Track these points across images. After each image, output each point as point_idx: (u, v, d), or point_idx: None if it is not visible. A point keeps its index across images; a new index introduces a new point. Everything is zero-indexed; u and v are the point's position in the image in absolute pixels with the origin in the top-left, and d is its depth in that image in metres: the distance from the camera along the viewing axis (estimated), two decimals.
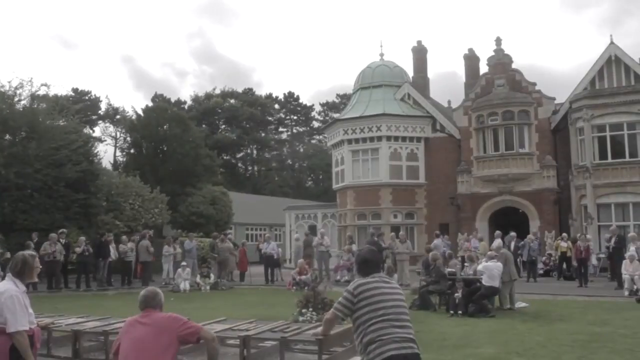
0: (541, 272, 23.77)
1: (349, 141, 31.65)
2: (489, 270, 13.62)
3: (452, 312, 13.40)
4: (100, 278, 21.46)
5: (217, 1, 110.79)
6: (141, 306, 4.38)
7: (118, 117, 63.79)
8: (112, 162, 50.19)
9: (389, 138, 30.82)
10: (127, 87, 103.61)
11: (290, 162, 79.23)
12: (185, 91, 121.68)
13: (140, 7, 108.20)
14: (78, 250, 20.46)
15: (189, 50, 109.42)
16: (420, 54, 34.58)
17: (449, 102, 35.92)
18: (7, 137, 24.78)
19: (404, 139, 31.09)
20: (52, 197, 24.06)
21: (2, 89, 25.39)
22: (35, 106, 25.95)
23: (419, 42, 34.47)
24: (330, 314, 4.73)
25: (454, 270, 15.24)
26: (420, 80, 33.90)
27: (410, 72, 34.35)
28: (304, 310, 10.42)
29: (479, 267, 14.20)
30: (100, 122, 68.38)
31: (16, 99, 25.63)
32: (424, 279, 15.58)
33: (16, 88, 25.57)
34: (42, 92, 26.81)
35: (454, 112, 31.58)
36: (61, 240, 20.51)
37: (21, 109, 25.40)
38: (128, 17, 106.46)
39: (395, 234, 23.75)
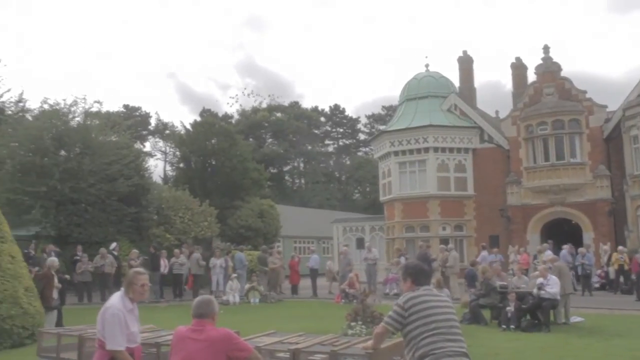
0: (597, 285, 23.09)
1: (396, 153, 31.49)
2: (552, 283, 13.26)
3: (504, 326, 13.14)
4: (153, 290, 21.83)
5: (258, 14, 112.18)
6: (194, 313, 4.34)
7: (167, 132, 65.03)
8: (162, 176, 51.21)
9: (436, 149, 30.56)
10: (174, 102, 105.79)
11: (337, 175, 79.25)
12: (228, 104, 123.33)
13: (183, 23, 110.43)
14: (133, 263, 20.89)
15: (231, 63, 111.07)
16: (466, 64, 34.25)
17: (497, 112, 35.46)
18: (63, 153, 25.55)
19: (451, 150, 30.79)
20: (105, 211, 24.67)
21: (57, 107, 26.28)
22: (88, 123, 26.73)
23: (465, 52, 34.16)
24: (380, 327, 4.71)
25: (505, 283, 14.95)
26: (467, 91, 33.56)
27: (456, 83, 34.05)
28: (353, 324, 10.38)
29: (539, 280, 13.76)
30: (150, 137, 69.89)
31: (71, 116, 26.48)
32: (474, 292, 15.33)
33: (70, 106, 26.46)
34: (95, 109, 27.69)
35: (502, 122, 31.12)
36: (114, 252, 21.05)
37: (75, 126, 26.19)
38: (171, 33, 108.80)
39: (444, 246, 23.46)
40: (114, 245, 22.33)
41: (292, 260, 24.86)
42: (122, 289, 4.94)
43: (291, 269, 24.44)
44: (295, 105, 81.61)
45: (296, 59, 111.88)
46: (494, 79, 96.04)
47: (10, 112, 30.22)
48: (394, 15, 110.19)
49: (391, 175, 31.81)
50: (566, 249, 23.00)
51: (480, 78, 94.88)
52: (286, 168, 78.28)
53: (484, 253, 22.99)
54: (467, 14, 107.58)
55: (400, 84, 35.69)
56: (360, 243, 31.40)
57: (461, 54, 34.18)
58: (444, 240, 28.13)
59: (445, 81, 33.55)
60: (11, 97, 32.21)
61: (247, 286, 21.77)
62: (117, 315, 4.72)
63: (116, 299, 4.86)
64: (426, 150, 30.61)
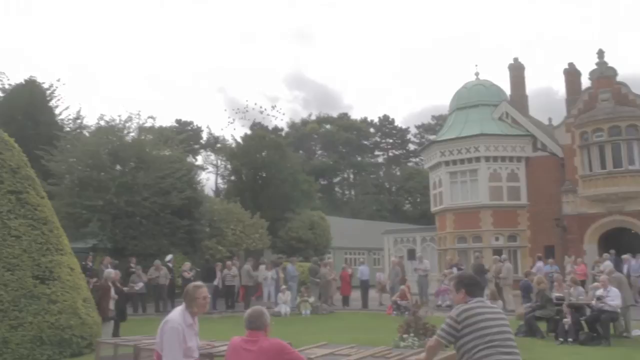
0: None
1: (447, 163, 31.14)
2: (612, 295, 12.85)
3: (561, 339, 12.79)
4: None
5: (305, 27, 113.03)
6: (247, 326, 4.40)
7: (218, 145, 66.05)
8: (214, 189, 52.04)
9: (487, 159, 30.08)
10: (224, 116, 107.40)
11: (388, 186, 78.92)
12: (277, 117, 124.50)
13: (232, 38, 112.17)
14: (186, 275, 21.22)
15: (280, 76, 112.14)
16: (517, 71, 33.65)
17: (550, 119, 34.68)
18: (118, 167, 26.22)
19: (503, 159, 30.26)
20: (159, 223, 25.16)
21: (113, 123, 27.05)
22: (142, 138, 27.39)
23: (516, 60, 33.58)
24: (433, 340, 4.65)
25: (562, 294, 14.55)
26: (518, 99, 32.92)
27: (507, 90, 33.49)
28: (405, 336, 10.29)
29: (598, 292, 13.33)
30: (202, 151, 71.08)
31: (125, 132, 27.20)
32: (530, 304, 14.98)
33: (125, 121, 27.18)
34: (148, 124, 28.35)
35: (555, 129, 30.42)
36: (169, 264, 21.47)
37: (130, 141, 26.87)
38: (221, 48, 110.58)
39: (497, 257, 23.03)
40: (169, 257, 22.76)
41: (343, 272, 24.82)
42: (184, 303, 4.98)
43: (342, 280, 24.40)
44: (344, 116, 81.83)
45: (343, 70, 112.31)
46: (544, 86, 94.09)
47: (68, 129, 31.27)
48: (441, 24, 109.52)
49: (442, 185, 31.45)
50: (626, 259, 22.26)
51: (530, 85, 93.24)
52: (336, 179, 78.41)
53: (540, 264, 22.44)
54: (515, 21, 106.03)
55: (449, 93, 35.34)
56: (411, 254, 31.12)
57: (512, 62, 33.65)
58: (497, 251, 27.58)
59: (496, 89, 33.06)
60: (69, 115, 33.46)
61: (298, 298, 21.81)
62: (176, 329, 4.78)
63: (176, 313, 4.93)
64: (477, 159, 30.17)
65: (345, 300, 24.00)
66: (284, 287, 21.74)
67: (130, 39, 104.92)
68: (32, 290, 10.10)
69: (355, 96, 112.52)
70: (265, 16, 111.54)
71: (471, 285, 4.47)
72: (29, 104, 29.69)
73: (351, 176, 79.58)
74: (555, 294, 14.42)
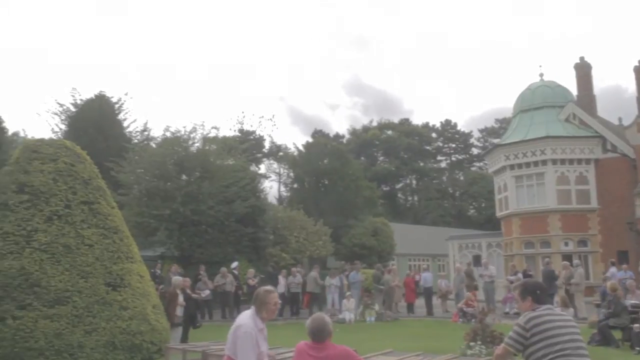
0: None
1: (512, 167, 30.49)
2: None
3: (638, 348, 12.27)
4: None
5: (363, 33, 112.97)
6: (310, 336, 4.43)
7: (281, 154, 66.70)
8: (277, 197, 52.51)
9: (554, 161, 29.27)
10: (285, 124, 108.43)
11: (451, 191, 77.82)
12: (337, 123, 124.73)
13: (290, 47, 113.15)
14: (250, 282, 21.47)
15: (339, 83, 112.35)
16: (584, 71, 32.63)
17: (620, 119, 33.48)
18: (184, 177, 26.82)
19: (571, 161, 29.37)
20: (223, 231, 25.58)
21: (178, 134, 27.73)
22: (207, 148, 27.94)
23: (582, 58, 32.58)
24: (501, 349, 4.55)
25: (637, 302, 13.95)
26: (586, 99, 31.90)
27: (574, 91, 32.52)
28: (472, 344, 10.11)
29: None
30: (264, 159, 71.89)
31: (190, 142, 27.81)
32: (604, 312, 14.45)
33: (190, 132, 27.81)
34: (212, 134, 28.91)
35: (626, 129, 29.35)
36: (235, 271, 21.81)
37: (195, 151, 27.46)
38: (280, 58, 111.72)
39: (567, 262, 22.32)
40: (235, 264, 23.12)
41: (407, 278, 24.61)
42: (253, 308, 5.02)
43: (407, 287, 24.17)
44: (405, 122, 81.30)
45: (403, 75, 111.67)
46: (612, 84, 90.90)
47: (136, 141, 32.25)
48: (503, 25, 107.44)
49: (507, 189, 30.80)
50: None
51: (597, 84, 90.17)
52: (398, 185, 77.91)
53: (613, 269, 21.63)
54: (579, 18, 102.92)
55: (511, 95, 34.61)
56: (476, 260, 30.58)
57: (577, 61, 32.67)
58: (567, 257, 26.76)
59: (561, 90, 32.17)
60: (137, 127, 34.53)
61: (362, 305, 21.73)
62: (250, 334, 4.80)
63: (247, 318, 4.95)
64: (544, 162, 29.40)
65: (410, 307, 23.76)
66: (348, 293, 21.71)
67: (193, 52, 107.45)
68: (105, 297, 10.43)
69: (415, 101, 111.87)
70: (323, 24, 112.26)
71: (537, 292, 4.36)
72: (99, 118, 30.79)
73: (414, 182, 78.88)
74: (631, 301, 13.86)
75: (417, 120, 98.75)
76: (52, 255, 10.34)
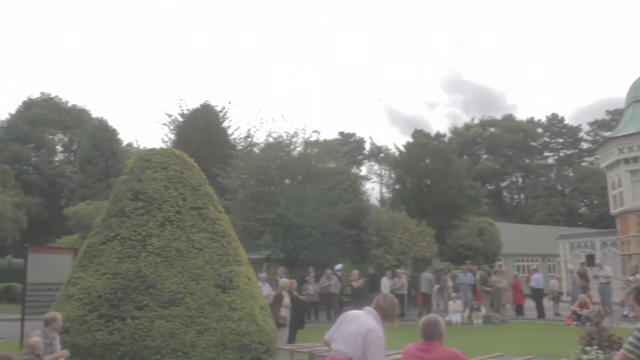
0: None
1: (626, 160, 28.79)
2: None
3: None
4: None
5: (460, 29, 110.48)
6: (421, 334, 4.39)
7: (381, 155, 66.64)
8: (378, 198, 52.45)
9: None
10: (384, 125, 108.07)
11: (560, 188, 74.63)
12: (437, 122, 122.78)
13: (386, 48, 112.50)
14: (355, 284, 21.57)
15: (437, 81, 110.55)
16: None
17: None
18: (287, 181, 27.38)
19: None
20: (327, 234, 25.86)
21: (280, 139, 28.32)
22: (308, 152, 28.36)
23: None
24: (620, 355, 4.30)
25: None
26: None
27: None
28: (587, 349, 9.63)
29: None
30: (365, 161, 72.11)
31: (292, 147, 28.33)
32: None
33: (292, 137, 28.34)
34: (313, 138, 29.32)
35: None
36: (339, 273, 21.98)
37: (297, 156, 27.94)
38: (377, 59, 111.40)
39: None
40: (339, 266, 23.32)
41: (514, 279, 23.82)
42: (374, 312, 4.98)
43: (515, 288, 23.40)
44: (508, 118, 78.86)
45: (503, 69, 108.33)
46: None
47: (240, 147, 33.28)
48: (609, 12, 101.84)
49: (622, 185, 29.11)
50: None
51: None
52: (504, 184, 75.66)
53: None
54: None
55: (624, 84, 32.72)
56: (590, 260, 29.12)
57: None
58: None
59: None
60: (240, 134, 35.62)
61: (469, 307, 21.27)
62: (382, 338, 4.80)
63: (373, 321, 4.90)
64: None
65: (519, 310, 22.98)
66: (454, 295, 21.32)
67: (290, 56, 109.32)
68: (215, 299, 10.81)
69: (518, 95, 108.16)
70: (420, 22, 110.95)
71: None
72: (204, 126, 32.06)
73: (519, 180, 76.31)
74: None
75: (521, 115, 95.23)
76: (165, 259, 10.86)
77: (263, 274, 18.08)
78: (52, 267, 14.54)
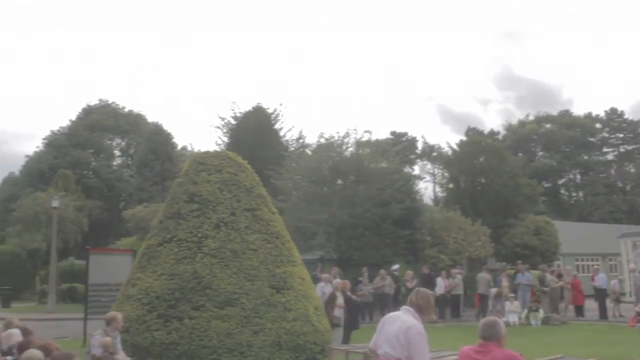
0: None
1: None
2: None
3: None
4: None
5: (512, 25, 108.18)
6: (480, 335, 4.34)
7: (434, 154, 65.97)
8: (432, 198, 51.98)
9: None
10: (436, 123, 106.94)
11: (621, 185, 72.28)
12: (490, 120, 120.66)
13: (437, 46, 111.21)
14: (409, 285, 21.42)
15: (489, 78, 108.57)
16: None
17: None
18: (339, 182, 27.42)
19: None
20: (380, 234, 25.78)
21: (332, 140, 28.37)
22: (360, 152, 28.31)
23: None
24: None
25: None
26: None
27: None
28: None
29: None
30: (418, 160, 71.48)
31: (344, 147, 28.34)
32: None
33: (343, 137, 28.34)
34: (365, 138, 29.26)
35: None
36: (396, 273, 21.91)
37: (349, 156, 27.93)
38: (428, 57, 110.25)
39: None
40: (396, 266, 23.23)
41: (573, 279, 23.18)
42: (409, 309, 5.00)
43: (574, 288, 22.78)
44: (565, 113, 76.82)
45: (558, 63, 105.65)
46: None
47: (292, 149, 33.55)
48: None
49: None
50: None
51: None
52: (561, 181, 73.76)
53: None
54: None
55: None
56: None
57: None
58: None
59: None
60: (293, 136, 35.89)
61: (527, 307, 20.83)
62: (424, 334, 4.80)
63: (412, 318, 4.91)
64: None
65: (579, 310, 22.35)
66: (511, 295, 20.91)
67: (342, 55, 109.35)
68: (269, 299, 10.92)
69: (574, 89, 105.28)
70: (470, 19, 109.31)
71: None
72: (257, 129, 32.45)
73: (577, 177, 74.22)
74: None
75: (578, 110, 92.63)
76: (220, 260, 11.04)
77: (325, 275, 18.13)
78: (112, 268, 14.97)
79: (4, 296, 28.40)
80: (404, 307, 5.06)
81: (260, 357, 10.24)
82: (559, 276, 22.79)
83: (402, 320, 4.92)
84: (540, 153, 73.61)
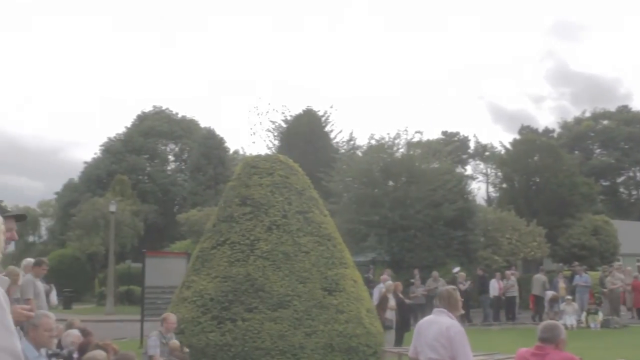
0: None
1: None
2: None
3: None
4: (484, 313, 21.74)
5: (564, 19, 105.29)
6: (539, 337, 4.33)
7: (487, 153, 64.93)
8: (485, 198, 51.14)
9: None
10: (487, 122, 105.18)
11: None
12: (544, 117, 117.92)
13: (486, 43, 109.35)
14: (462, 287, 21.12)
15: (541, 74, 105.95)
16: None
17: None
18: (390, 183, 27.30)
19: None
20: (432, 235, 25.55)
21: (382, 141, 28.29)
22: (411, 153, 28.14)
23: None
24: None
25: None
26: None
27: None
28: None
29: None
30: (470, 160, 70.46)
31: (395, 149, 28.23)
32: None
33: (394, 138, 28.23)
34: (416, 139, 29.07)
35: None
36: (457, 275, 21.75)
37: (400, 157, 27.79)
38: (478, 55, 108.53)
39: None
40: (457, 269, 22.99)
41: (635, 281, 22.43)
42: (443, 310, 4.99)
43: (635, 290, 22.04)
44: (623, 109, 74.45)
45: (614, 57, 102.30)
46: None
47: (343, 151, 33.59)
48: None
49: None
50: None
51: None
52: (620, 179, 71.55)
53: None
54: None
55: None
56: None
57: None
58: None
59: None
60: (343, 138, 35.92)
61: (585, 310, 20.28)
62: (464, 332, 4.81)
63: (448, 318, 4.90)
64: None
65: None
66: (569, 297, 20.40)
67: (392, 57, 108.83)
68: (322, 301, 10.95)
69: (632, 83, 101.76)
70: (520, 14, 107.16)
71: None
72: (307, 131, 32.64)
73: (637, 174, 71.87)
74: None
75: (637, 105, 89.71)
76: (273, 262, 11.14)
77: (384, 276, 18.12)
78: (167, 271, 15.29)
79: (66, 298, 29.38)
80: (436, 309, 5.08)
81: (312, 359, 10.29)
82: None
83: (439, 322, 4.90)
84: (598, 150, 71.57)
